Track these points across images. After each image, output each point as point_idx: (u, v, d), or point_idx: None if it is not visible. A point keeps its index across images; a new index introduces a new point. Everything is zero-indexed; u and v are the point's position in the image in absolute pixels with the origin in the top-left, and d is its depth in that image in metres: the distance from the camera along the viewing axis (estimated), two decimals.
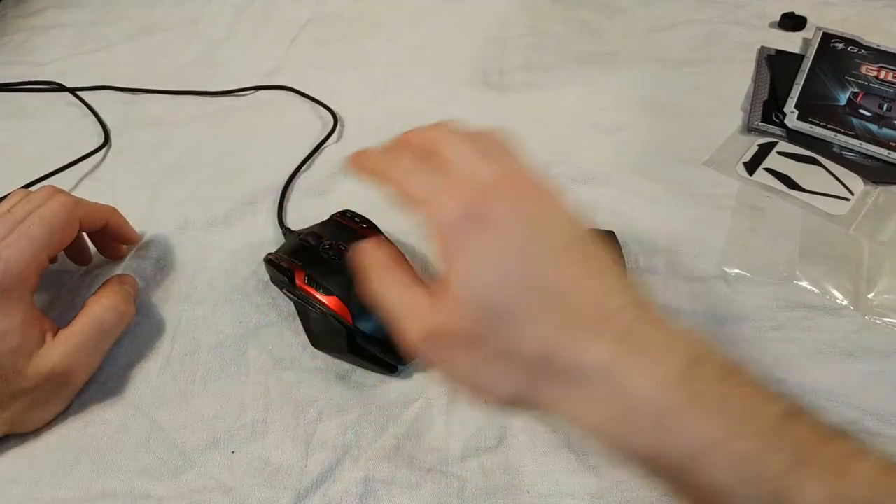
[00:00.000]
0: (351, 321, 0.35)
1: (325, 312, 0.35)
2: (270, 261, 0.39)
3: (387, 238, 0.40)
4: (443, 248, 0.27)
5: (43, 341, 0.34)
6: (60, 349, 0.34)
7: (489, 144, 0.30)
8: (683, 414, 0.23)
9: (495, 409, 0.28)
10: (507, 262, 0.26)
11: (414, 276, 0.29)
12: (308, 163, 0.50)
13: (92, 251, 0.42)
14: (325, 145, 0.51)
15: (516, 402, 0.27)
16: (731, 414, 0.23)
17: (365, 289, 0.30)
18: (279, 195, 0.47)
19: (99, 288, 0.38)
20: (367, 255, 0.30)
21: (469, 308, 0.26)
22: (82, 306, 0.36)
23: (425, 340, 0.27)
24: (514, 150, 0.31)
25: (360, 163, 0.32)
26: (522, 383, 0.26)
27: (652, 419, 0.24)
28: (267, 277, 0.41)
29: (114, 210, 0.41)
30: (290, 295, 0.38)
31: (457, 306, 0.26)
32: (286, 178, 0.48)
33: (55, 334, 0.34)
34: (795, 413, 0.24)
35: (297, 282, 0.37)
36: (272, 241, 0.44)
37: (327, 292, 0.36)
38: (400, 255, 0.31)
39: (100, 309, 0.36)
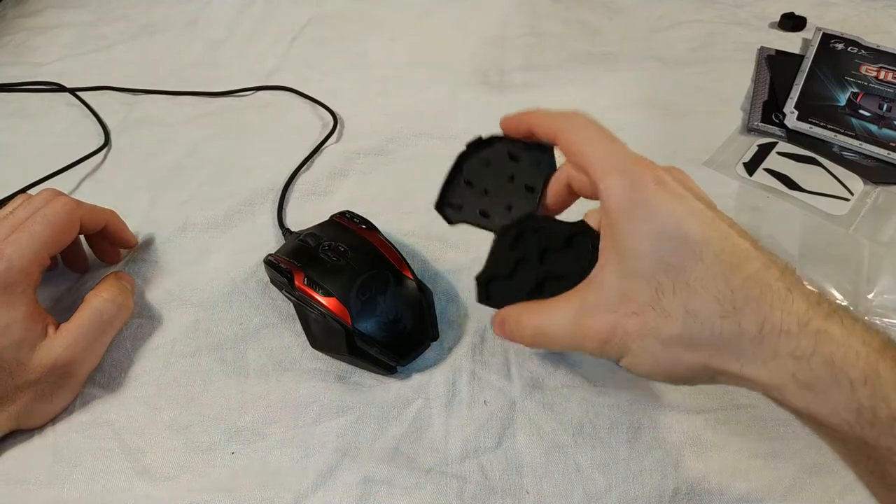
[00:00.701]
0: (350, 322, 0.35)
1: (324, 313, 0.35)
2: (270, 262, 0.39)
3: (386, 238, 0.40)
4: (622, 211, 0.27)
5: (45, 334, 0.34)
6: (62, 341, 0.34)
7: None
8: (892, 380, 0.23)
9: (679, 382, 0.28)
10: (686, 223, 0.26)
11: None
12: (308, 163, 0.50)
13: (89, 259, 0.43)
14: (324, 146, 0.51)
15: (696, 367, 0.26)
16: None
17: (525, 342, 0.31)
18: (279, 196, 0.47)
19: (97, 284, 0.38)
20: (511, 319, 0.31)
21: (646, 273, 0.26)
22: (82, 301, 0.37)
23: (609, 334, 0.27)
24: None
25: (526, 118, 0.34)
26: (705, 343, 0.25)
27: (853, 380, 0.23)
28: (267, 278, 0.41)
29: (113, 213, 0.41)
30: (289, 296, 0.38)
31: (632, 275, 0.26)
32: (286, 178, 0.48)
33: (57, 328, 0.35)
34: None
35: (297, 283, 0.37)
36: (272, 241, 0.44)
37: (326, 293, 0.36)
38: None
39: (99, 302, 0.36)
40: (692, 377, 0.27)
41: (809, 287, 0.25)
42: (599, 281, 0.28)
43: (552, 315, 0.29)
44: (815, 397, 0.24)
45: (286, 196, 0.47)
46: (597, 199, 0.29)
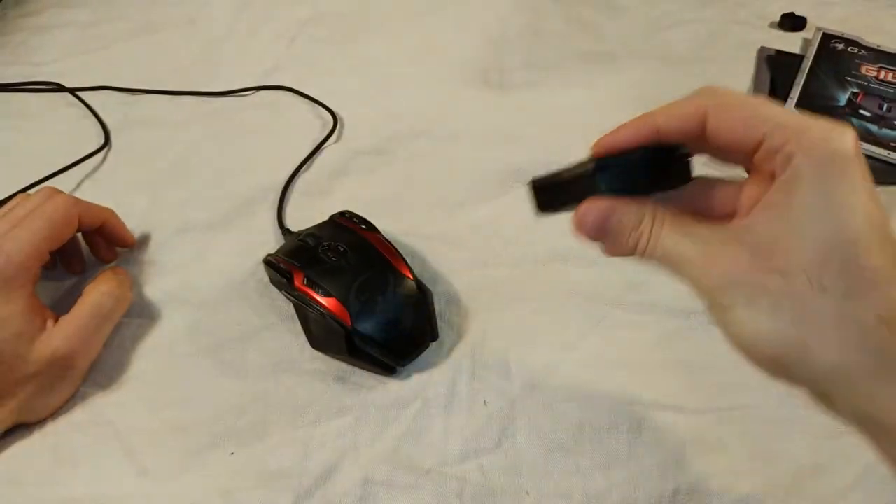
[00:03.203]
0: (350, 322, 0.35)
1: (324, 314, 0.35)
2: (269, 262, 0.39)
3: (386, 238, 0.40)
4: (811, 173, 0.23)
5: (44, 327, 0.35)
6: (61, 333, 0.35)
7: None
8: None
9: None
10: (871, 205, 0.22)
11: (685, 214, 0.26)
12: (308, 163, 0.50)
13: (86, 262, 0.43)
14: (324, 146, 0.51)
15: (829, 377, 0.23)
16: None
17: (628, 251, 0.27)
18: (279, 196, 0.47)
19: (95, 277, 0.39)
20: (619, 213, 0.26)
21: (812, 241, 0.23)
22: (80, 294, 0.37)
23: (732, 279, 0.24)
24: None
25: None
26: (854, 346, 0.22)
27: None
28: (266, 279, 0.41)
29: (111, 211, 0.41)
30: (289, 296, 0.38)
31: (796, 238, 0.23)
32: (286, 178, 0.48)
33: (56, 321, 0.35)
34: None
35: (296, 283, 0.37)
36: (271, 242, 0.44)
37: (326, 293, 0.36)
38: None
39: (97, 295, 0.37)
40: (789, 373, 0.24)
41: None
42: (753, 223, 0.24)
43: (684, 227, 0.26)
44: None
45: (286, 196, 0.47)
46: (739, 165, 0.26)
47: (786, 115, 0.24)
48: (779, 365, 0.24)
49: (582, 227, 0.27)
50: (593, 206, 0.27)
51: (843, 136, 0.23)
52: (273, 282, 0.40)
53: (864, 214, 0.22)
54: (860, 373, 0.22)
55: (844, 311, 0.22)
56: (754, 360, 0.25)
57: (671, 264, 0.26)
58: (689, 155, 0.27)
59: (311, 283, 0.36)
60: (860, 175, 0.23)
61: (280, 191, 0.47)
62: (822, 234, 0.23)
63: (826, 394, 0.23)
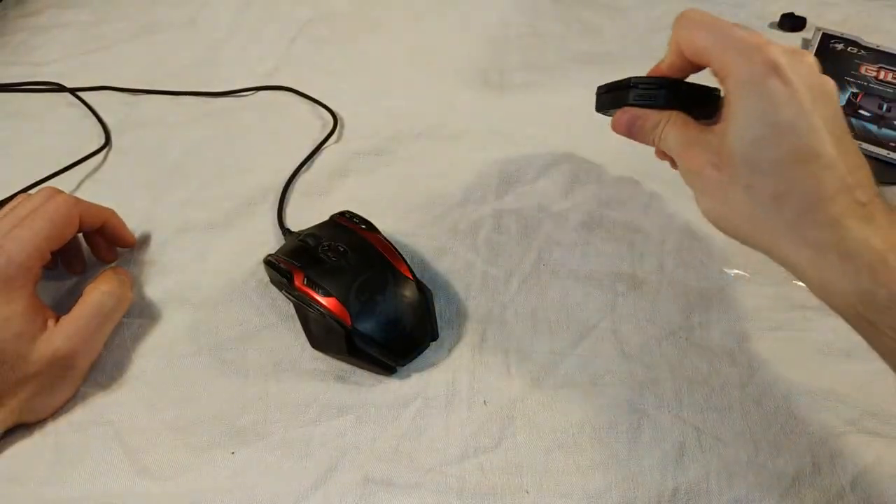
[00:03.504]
0: (349, 322, 0.35)
1: (324, 313, 0.35)
2: (269, 262, 0.39)
3: (386, 238, 0.40)
4: (740, 89, 0.30)
5: (45, 327, 0.35)
6: (62, 333, 0.35)
7: None
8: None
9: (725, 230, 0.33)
10: (783, 110, 0.29)
11: (694, 121, 0.34)
12: (308, 163, 0.50)
13: (87, 262, 0.43)
14: (325, 146, 0.51)
15: (741, 230, 0.32)
16: None
17: (651, 141, 0.36)
18: (279, 196, 0.47)
19: (95, 277, 0.39)
20: (643, 119, 0.36)
21: (732, 138, 0.30)
22: (80, 294, 0.37)
23: (685, 150, 0.33)
24: None
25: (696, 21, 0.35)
26: (751, 213, 0.31)
27: (869, 265, 0.28)
28: (267, 279, 0.41)
29: (112, 212, 0.41)
30: (289, 296, 0.38)
31: (724, 135, 0.31)
32: (286, 178, 0.48)
33: (57, 321, 0.35)
34: None
35: (296, 283, 0.37)
36: (272, 242, 0.44)
37: (326, 293, 0.36)
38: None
39: (98, 294, 0.37)
40: (738, 233, 0.32)
41: (866, 191, 0.29)
42: (711, 130, 0.32)
43: (676, 124, 0.34)
44: (827, 280, 0.29)
45: (286, 196, 0.47)
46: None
47: (722, 40, 0.31)
48: (726, 231, 0.33)
49: (616, 128, 0.38)
50: (623, 115, 0.37)
51: (764, 54, 0.30)
52: (273, 282, 0.41)
53: (765, 115, 0.29)
54: (766, 238, 0.31)
55: (748, 195, 0.30)
56: (716, 227, 0.33)
57: (671, 153, 0.35)
58: (716, 96, 0.35)
59: (312, 283, 0.36)
60: (770, 89, 0.29)
61: (280, 191, 0.47)
62: (735, 141, 0.30)
63: (765, 251, 0.32)
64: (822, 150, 0.29)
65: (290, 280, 0.37)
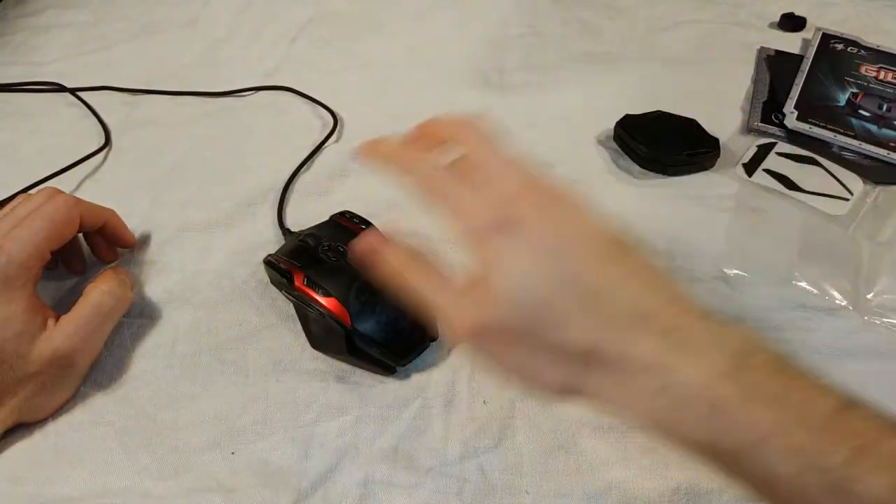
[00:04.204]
0: (349, 322, 0.35)
1: (324, 314, 0.35)
2: (270, 262, 0.39)
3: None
4: (477, 249, 0.28)
5: (45, 326, 0.34)
6: (62, 332, 0.35)
7: (508, 150, 0.31)
8: (737, 407, 0.24)
9: (548, 397, 0.29)
10: (548, 261, 0.26)
11: (445, 268, 0.29)
12: (308, 163, 0.50)
13: (87, 262, 0.43)
14: (325, 145, 0.51)
15: (566, 391, 0.28)
16: (785, 407, 0.24)
17: (393, 285, 0.30)
18: (279, 196, 0.47)
19: (95, 277, 0.39)
20: (390, 252, 0.30)
21: (516, 305, 0.26)
22: (80, 294, 0.37)
23: (474, 335, 0.28)
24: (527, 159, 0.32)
25: (377, 151, 0.32)
26: (571, 374, 0.27)
27: (705, 411, 0.24)
28: (267, 279, 0.41)
29: (113, 212, 0.41)
30: (289, 296, 0.38)
31: (503, 303, 0.27)
32: (286, 178, 0.48)
33: (57, 320, 0.35)
34: (851, 406, 0.24)
35: (296, 283, 0.37)
36: (272, 242, 0.44)
37: (326, 293, 0.36)
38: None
39: (98, 294, 0.37)
40: (563, 396, 0.28)
41: (667, 310, 0.26)
42: (482, 293, 0.28)
43: (448, 289, 0.29)
44: (669, 429, 0.26)
45: (286, 196, 0.47)
46: None
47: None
48: (554, 393, 0.28)
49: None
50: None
51: (487, 206, 0.27)
52: (273, 282, 0.41)
53: (531, 274, 0.26)
54: (595, 387, 0.27)
55: (558, 359, 0.26)
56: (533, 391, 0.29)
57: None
58: None
59: (311, 283, 0.36)
60: (514, 238, 0.27)
61: (280, 191, 0.47)
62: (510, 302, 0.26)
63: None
64: (607, 287, 0.26)
65: (290, 280, 0.37)
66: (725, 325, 0.26)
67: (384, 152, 0.31)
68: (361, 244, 0.31)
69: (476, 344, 0.28)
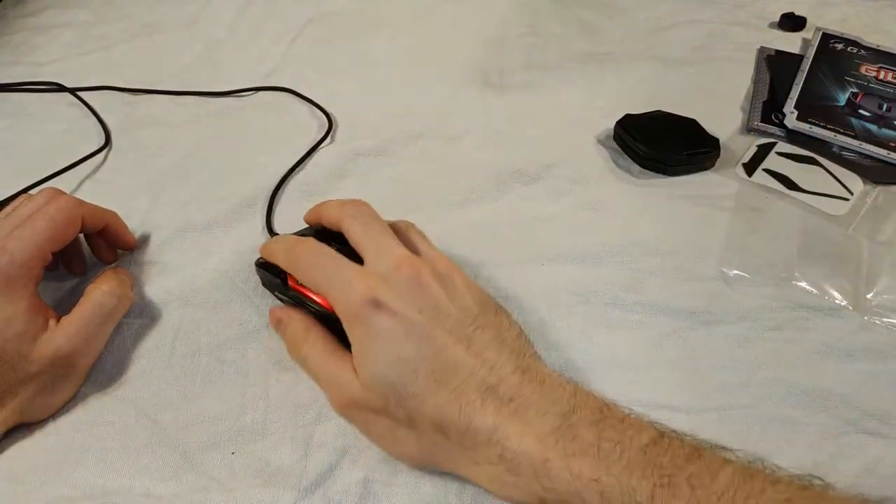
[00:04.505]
0: None
1: (319, 311, 0.35)
2: (261, 264, 0.39)
3: None
4: (350, 329, 0.31)
5: (46, 326, 0.35)
6: (64, 332, 0.35)
7: (389, 230, 0.35)
8: (558, 462, 0.27)
9: (411, 466, 0.33)
10: (402, 345, 0.30)
11: (334, 343, 0.34)
12: (304, 164, 0.50)
13: (87, 263, 0.43)
14: (320, 147, 0.51)
15: (424, 462, 0.32)
16: (599, 454, 0.27)
17: (291, 354, 0.35)
18: (268, 199, 0.47)
19: (96, 277, 0.39)
20: (290, 322, 0.35)
21: (373, 387, 0.30)
22: (82, 294, 0.37)
23: (344, 408, 0.32)
24: (417, 233, 0.36)
25: (269, 253, 0.37)
26: (426, 447, 0.30)
27: (534, 471, 0.27)
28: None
29: (114, 214, 0.41)
30: (282, 297, 0.37)
31: (364, 385, 0.30)
32: (278, 181, 0.48)
33: (58, 321, 0.35)
34: (661, 440, 0.28)
35: (290, 283, 0.36)
36: None
37: None
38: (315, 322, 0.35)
39: (99, 294, 0.37)
40: (422, 464, 0.32)
41: (510, 381, 0.30)
42: (352, 369, 0.31)
43: (328, 365, 0.33)
44: (509, 494, 0.29)
45: (279, 198, 0.47)
46: None
47: (324, 273, 0.33)
48: (418, 467, 0.33)
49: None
50: (273, 313, 0.37)
51: (360, 290, 0.30)
52: (265, 284, 0.40)
53: (394, 359, 0.29)
54: (448, 462, 0.31)
55: (414, 432, 0.30)
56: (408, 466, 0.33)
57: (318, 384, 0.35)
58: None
59: None
60: (373, 323, 0.30)
61: (269, 195, 0.47)
62: (375, 381, 0.30)
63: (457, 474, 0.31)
64: (457, 364, 0.29)
65: (284, 280, 0.37)
66: (557, 387, 0.30)
67: (270, 254, 0.37)
68: (271, 318, 0.37)
69: (345, 416, 0.33)
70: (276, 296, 0.39)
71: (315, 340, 0.34)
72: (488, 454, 0.28)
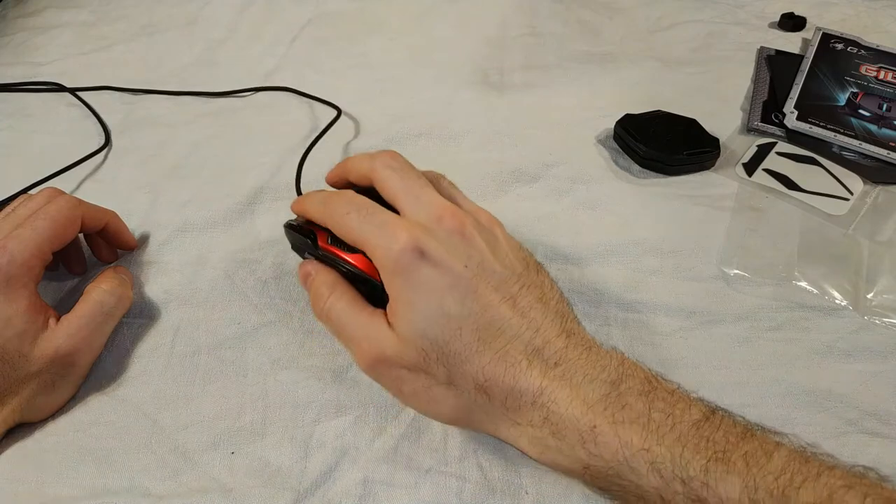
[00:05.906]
0: (378, 277, 0.34)
1: (352, 270, 0.33)
2: (291, 226, 0.37)
3: None
4: (388, 283, 0.29)
5: (46, 326, 0.35)
6: (63, 331, 0.35)
7: (426, 179, 0.32)
8: (607, 429, 0.27)
9: (442, 423, 0.32)
10: (446, 299, 0.28)
11: (363, 300, 0.31)
12: (309, 155, 0.49)
13: (87, 263, 0.43)
14: (331, 128, 0.52)
15: (459, 422, 0.31)
16: (650, 424, 0.26)
17: (315, 307, 0.32)
18: (295, 175, 0.47)
19: (96, 276, 0.39)
20: (318, 275, 0.33)
21: (412, 342, 0.28)
22: (82, 293, 0.37)
23: (373, 364, 0.30)
24: (449, 184, 0.34)
25: (302, 208, 0.35)
26: (464, 406, 0.29)
27: (580, 436, 0.27)
28: (265, 277, 0.41)
29: (114, 214, 0.42)
30: (313, 256, 0.36)
31: (401, 339, 0.29)
32: (293, 168, 0.48)
33: (58, 320, 0.35)
34: (713, 417, 0.27)
35: (320, 243, 0.35)
36: (271, 242, 0.44)
37: (351, 250, 0.34)
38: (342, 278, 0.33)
39: (99, 293, 0.37)
40: (457, 424, 0.32)
41: (555, 344, 0.29)
42: (385, 324, 0.30)
43: (359, 318, 0.31)
44: (551, 458, 0.28)
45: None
46: None
47: (363, 222, 0.30)
48: (448, 423, 0.32)
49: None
50: (302, 267, 0.35)
51: (404, 239, 0.28)
52: (294, 247, 0.38)
53: (435, 313, 0.28)
54: (486, 423, 0.30)
55: (453, 392, 0.29)
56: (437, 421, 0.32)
57: (340, 340, 0.33)
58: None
59: (336, 241, 0.34)
60: (416, 274, 0.28)
61: (299, 161, 0.48)
62: (414, 336, 0.28)
63: (490, 434, 0.31)
64: (503, 324, 0.28)
65: (314, 241, 0.35)
66: (604, 355, 0.29)
67: (305, 208, 0.35)
68: (300, 271, 0.34)
69: (373, 373, 0.30)
70: (304, 258, 0.38)
71: (343, 293, 0.31)
72: (531, 416, 0.28)
